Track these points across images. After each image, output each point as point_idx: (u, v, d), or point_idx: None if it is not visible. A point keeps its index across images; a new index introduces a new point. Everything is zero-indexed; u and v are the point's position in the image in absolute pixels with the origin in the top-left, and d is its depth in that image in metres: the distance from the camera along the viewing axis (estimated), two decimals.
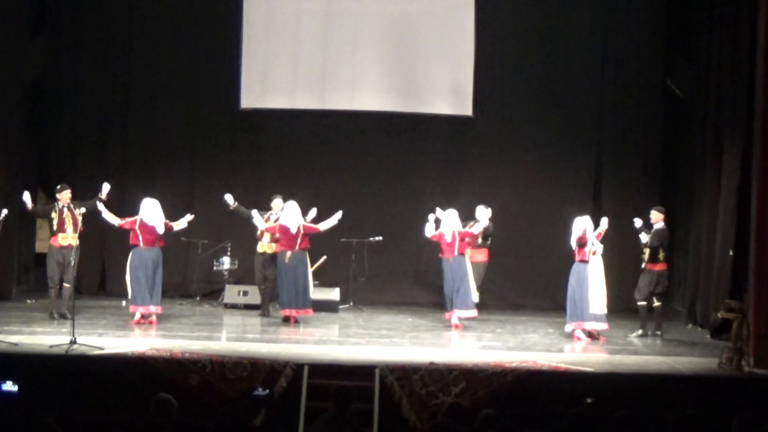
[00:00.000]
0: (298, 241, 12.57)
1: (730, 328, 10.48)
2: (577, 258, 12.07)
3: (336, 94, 15.11)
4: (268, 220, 13.13)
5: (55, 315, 12.34)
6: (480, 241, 13.56)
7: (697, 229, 13.71)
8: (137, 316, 12.16)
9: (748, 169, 11.48)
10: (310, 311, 12.80)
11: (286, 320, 12.67)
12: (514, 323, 13.32)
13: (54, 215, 12.43)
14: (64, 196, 12.50)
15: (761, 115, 10.72)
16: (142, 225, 12.18)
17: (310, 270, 12.92)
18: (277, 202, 13.24)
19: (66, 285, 12.31)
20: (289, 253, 12.55)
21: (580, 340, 11.97)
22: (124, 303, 12.97)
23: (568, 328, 12.10)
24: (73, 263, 11.85)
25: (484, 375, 9.58)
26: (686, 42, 14.83)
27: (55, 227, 12.41)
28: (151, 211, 12.24)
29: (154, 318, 12.24)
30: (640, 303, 12.41)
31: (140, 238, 12.18)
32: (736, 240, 12.50)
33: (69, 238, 12.37)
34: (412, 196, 15.19)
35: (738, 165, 12.38)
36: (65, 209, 12.45)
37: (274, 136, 15.40)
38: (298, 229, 12.56)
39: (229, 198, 13.35)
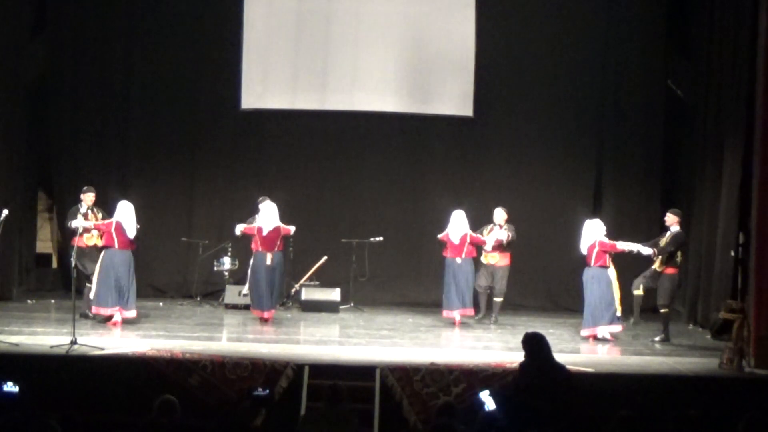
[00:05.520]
0: (277, 242, 12.69)
1: (730, 328, 10.46)
2: (596, 263, 12.03)
3: (336, 95, 15.11)
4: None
5: (89, 314, 12.31)
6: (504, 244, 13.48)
7: (698, 229, 13.70)
8: (117, 318, 12.04)
9: (749, 168, 11.49)
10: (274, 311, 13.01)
11: (265, 321, 12.71)
12: (514, 323, 13.31)
13: (80, 217, 12.44)
14: (88, 197, 12.59)
15: (762, 115, 10.73)
16: (118, 227, 12.12)
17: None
18: (266, 203, 13.23)
19: (89, 285, 12.37)
20: (269, 255, 12.62)
21: (606, 341, 11.98)
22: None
23: (594, 332, 12.05)
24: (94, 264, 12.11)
25: (485, 375, 9.59)
26: (686, 42, 14.83)
27: (80, 229, 12.42)
28: (127, 215, 12.17)
29: (119, 319, 12.06)
30: (663, 309, 12.23)
31: (115, 240, 12.09)
32: (736, 240, 12.50)
33: (94, 238, 12.43)
34: (412, 196, 15.20)
35: (739, 165, 12.39)
36: (89, 212, 12.49)
37: (275, 136, 15.39)
38: (275, 230, 12.63)
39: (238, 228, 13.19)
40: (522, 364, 8.33)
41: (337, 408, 7.76)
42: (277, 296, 13.06)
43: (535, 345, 8.29)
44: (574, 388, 8.13)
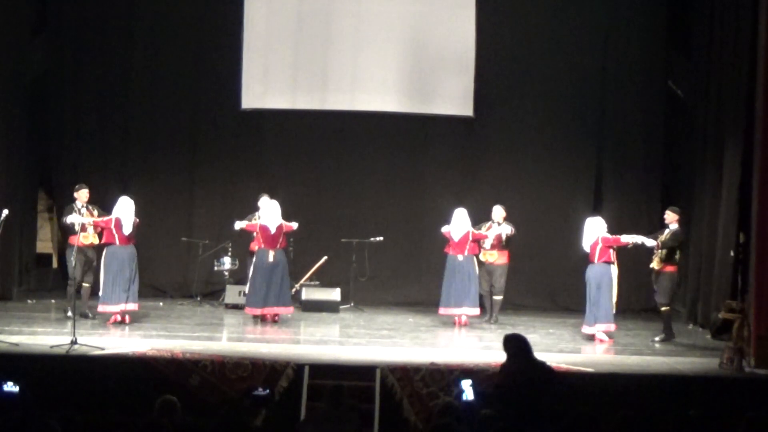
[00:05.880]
0: (280, 240, 12.66)
1: (730, 328, 10.47)
2: (600, 259, 11.98)
3: (336, 95, 15.12)
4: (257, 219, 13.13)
5: (69, 313, 12.26)
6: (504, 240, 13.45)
7: (698, 229, 13.70)
8: (113, 317, 12.07)
9: (749, 168, 11.48)
10: (292, 308, 12.97)
11: (263, 319, 12.68)
12: (514, 323, 13.29)
13: (75, 214, 12.44)
14: (82, 195, 12.55)
15: (762, 115, 10.72)
16: (117, 223, 12.13)
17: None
18: (264, 200, 13.22)
19: (85, 285, 12.41)
20: (272, 253, 12.59)
21: (603, 342, 11.93)
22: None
23: (592, 329, 12.03)
24: (95, 263, 12.19)
25: (485, 375, 9.56)
26: (686, 42, 14.83)
27: (77, 225, 12.41)
28: (126, 211, 12.18)
29: (127, 317, 12.13)
30: (664, 308, 12.17)
31: (116, 236, 12.11)
32: (736, 240, 12.50)
33: (90, 236, 12.41)
34: (412, 196, 15.21)
35: (739, 165, 12.39)
36: (84, 209, 12.47)
37: (275, 136, 15.40)
38: (279, 228, 12.60)
39: (238, 224, 13.23)
40: (503, 365, 8.31)
41: (338, 408, 7.77)
42: (281, 294, 12.87)
43: (520, 346, 8.26)
44: (570, 385, 8.11)
